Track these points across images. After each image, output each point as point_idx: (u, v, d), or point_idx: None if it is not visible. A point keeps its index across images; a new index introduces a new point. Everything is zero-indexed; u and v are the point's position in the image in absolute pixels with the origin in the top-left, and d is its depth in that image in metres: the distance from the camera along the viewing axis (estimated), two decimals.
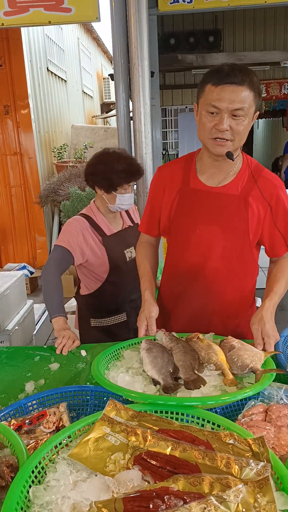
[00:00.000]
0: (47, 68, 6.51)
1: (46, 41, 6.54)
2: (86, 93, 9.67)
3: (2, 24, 2.63)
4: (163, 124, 8.92)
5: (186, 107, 9.09)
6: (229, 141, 1.32)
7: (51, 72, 6.75)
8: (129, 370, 1.21)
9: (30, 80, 5.67)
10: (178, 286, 1.58)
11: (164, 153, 8.70)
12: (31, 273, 5.52)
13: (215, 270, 1.49)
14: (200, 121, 1.34)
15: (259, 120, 14.22)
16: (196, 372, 1.12)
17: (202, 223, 1.46)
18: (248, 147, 15.10)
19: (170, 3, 2.84)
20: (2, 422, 1.06)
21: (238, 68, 1.27)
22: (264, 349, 1.21)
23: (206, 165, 1.45)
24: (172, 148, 9.53)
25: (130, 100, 2.23)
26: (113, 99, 11.56)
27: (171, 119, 9.28)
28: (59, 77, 7.25)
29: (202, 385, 1.07)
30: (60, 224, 5.66)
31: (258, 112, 1.35)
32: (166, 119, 9.21)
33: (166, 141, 9.41)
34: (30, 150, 5.75)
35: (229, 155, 1.35)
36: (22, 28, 5.30)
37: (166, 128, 9.32)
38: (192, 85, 8.64)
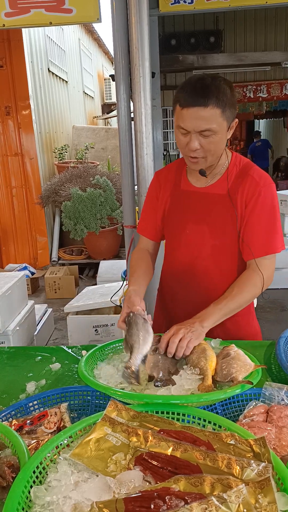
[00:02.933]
0: (48, 69, 6.52)
1: (47, 42, 6.56)
2: (87, 94, 9.69)
3: (3, 25, 2.63)
4: (164, 124, 8.93)
5: None
6: (201, 158, 1.34)
7: (52, 73, 6.76)
8: (123, 363, 1.25)
9: (31, 81, 5.68)
10: (174, 284, 1.61)
11: (165, 153, 8.72)
12: (32, 273, 5.53)
13: (206, 268, 1.50)
14: (175, 137, 1.38)
15: (260, 120, 14.24)
16: (169, 374, 1.14)
17: (191, 222, 1.49)
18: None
19: (171, 4, 2.84)
20: (3, 422, 1.06)
21: (203, 86, 1.25)
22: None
23: None
24: (173, 148, 9.54)
25: (131, 101, 2.23)
26: (114, 99, 11.57)
27: (172, 120, 9.28)
28: (60, 78, 7.27)
29: (171, 385, 1.10)
30: (61, 225, 5.67)
31: (236, 120, 1.35)
32: (167, 120, 9.22)
33: (167, 141, 9.42)
34: (31, 150, 5.77)
35: (202, 173, 1.40)
36: (23, 29, 5.31)
37: (167, 129, 9.33)
38: None
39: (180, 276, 1.56)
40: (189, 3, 2.76)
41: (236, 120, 1.35)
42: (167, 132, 9.36)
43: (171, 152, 9.47)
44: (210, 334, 1.41)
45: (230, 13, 7.59)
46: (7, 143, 5.72)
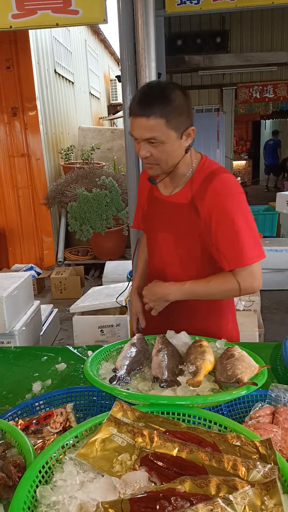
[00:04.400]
0: (55, 70, 6.54)
1: (54, 43, 6.58)
2: (93, 95, 9.70)
3: (10, 27, 2.65)
4: None
5: (193, 108, 9.07)
6: (155, 165, 1.36)
7: (59, 74, 6.78)
8: None
9: (38, 82, 5.70)
10: None
11: None
12: (38, 274, 5.55)
13: (175, 276, 1.50)
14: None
15: (267, 121, 14.17)
16: (174, 375, 1.14)
17: (160, 230, 1.52)
18: (255, 149, 15.10)
19: (177, 5, 2.84)
20: (10, 422, 1.06)
21: (148, 95, 1.28)
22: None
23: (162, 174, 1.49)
24: None
25: None
26: (119, 100, 11.57)
27: None
28: (66, 79, 7.29)
29: (176, 386, 1.10)
30: (67, 226, 5.69)
31: (192, 128, 1.34)
32: None
33: None
34: (37, 151, 5.79)
35: (151, 180, 1.45)
36: (29, 31, 5.33)
37: None
38: (199, 86, 8.62)
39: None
40: (195, 3, 2.76)
41: (193, 127, 1.34)
42: None
43: None
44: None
45: (236, 13, 7.56)
46: (14, 144, 5.75)
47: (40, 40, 5.92)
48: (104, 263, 4.77)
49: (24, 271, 5.21)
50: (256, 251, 1.34)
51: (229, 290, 1.39)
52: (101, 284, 4.22)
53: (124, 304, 3.10)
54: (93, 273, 5.77)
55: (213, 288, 1.39)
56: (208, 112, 8.98)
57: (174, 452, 0.83)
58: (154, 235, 1.54)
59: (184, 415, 0.98)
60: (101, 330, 3.14)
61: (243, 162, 13.97)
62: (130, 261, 2.39)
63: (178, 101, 1.28)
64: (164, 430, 0.90)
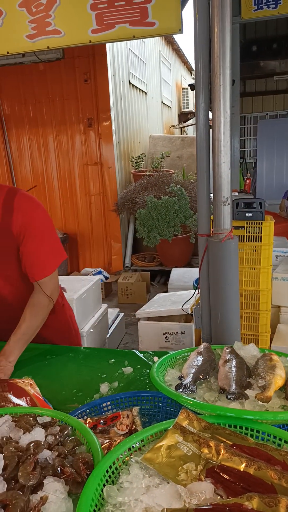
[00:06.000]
0: (129, 81, 6.74)
1: (129, 55, 6.78)
2: (165, 104, 9.83)
3: (90, 41, 2.77)
4: (241, 132, 8.76)
5: (267, 114, 8.83)
6: None
7: (132, 85, 6.97)
8: None
9: (113, 94, 5.91)
10: None
11: (241, 161, 8.54)
12: (106, 278, 5.71)
13: (4, 297, 1.57)
14: None
15: None
16: (241, 388, 1.11)
17: None
18: None
19: (254, 11, 2.79)
20: (79, 419, 1.10)
21: None
22: None
23: None
24: (250, 156, 9.32)
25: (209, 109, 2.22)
26: (190, 108, 11.61)
27: (250, 127, 9.08)
28: (139, 89, 7.47)
29: (244, 399, 1.06)
30: (135, 232, 5.80)
31: None
32: (244, 127, 9.03)
33: (244, 149, 9.22)
34: (109, 160, 5.98)
35: None
36: (106, 44, 5.55)
37: (244, 136, 9.14)
38: (273, 91, 8.38)
39: None
40: (272, 8, 2.69)
41: None
42: (244, 139, 9.17)
43: (248, 160, 9.25)
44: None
45: None
46: (88, 153, 6.00)
47: (116, 53, 6.13)
48: (170, 270, 4.78)
49: (93, 275, 5.39)
50: (55, 258, 1.48)
51: (43, 308, 1.47)
52: (167, 291, 4.23)
53: (189, 312, 3.08)
54: (159, 280, 5.81)
55: (32, 320, 1.45)
56: (282, 117, 8.68)
57: (242, 467, 0.81)
58: None
59: (252, 430, 0.95)
60: (166, 337, 3.14)
61: None
62: (197, 269, 2.37)
63: None
64: (231, 443, 0.88)
